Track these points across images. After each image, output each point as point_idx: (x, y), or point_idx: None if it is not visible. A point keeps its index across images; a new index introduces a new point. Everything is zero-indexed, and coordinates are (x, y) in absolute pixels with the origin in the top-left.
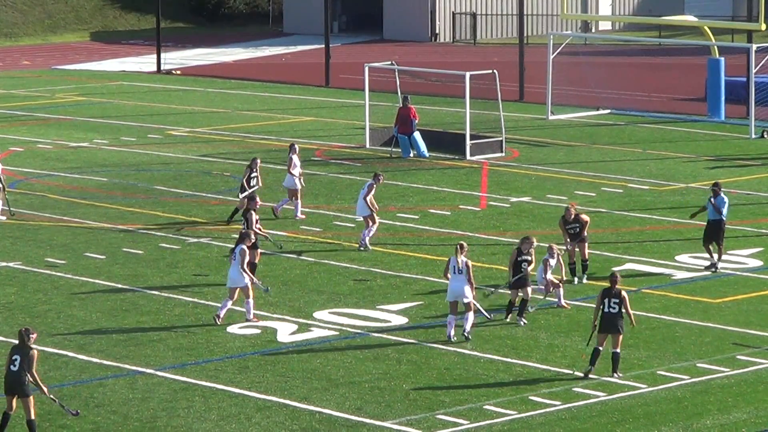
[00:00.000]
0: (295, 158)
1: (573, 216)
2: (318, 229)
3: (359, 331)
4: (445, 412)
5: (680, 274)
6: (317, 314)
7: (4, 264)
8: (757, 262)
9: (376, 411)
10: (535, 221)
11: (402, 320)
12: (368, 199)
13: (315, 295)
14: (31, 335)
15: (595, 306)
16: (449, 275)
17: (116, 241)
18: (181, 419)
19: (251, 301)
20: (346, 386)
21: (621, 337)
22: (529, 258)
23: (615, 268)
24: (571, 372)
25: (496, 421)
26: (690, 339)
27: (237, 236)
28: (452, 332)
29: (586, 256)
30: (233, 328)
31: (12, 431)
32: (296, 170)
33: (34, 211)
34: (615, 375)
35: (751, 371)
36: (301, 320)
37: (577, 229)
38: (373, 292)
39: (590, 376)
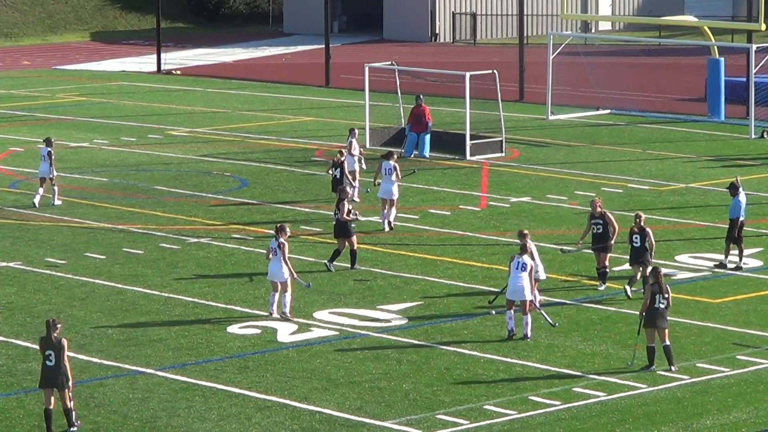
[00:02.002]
0: (355, 142)
1: (599, 211)
2: (318, 229)
3: (359, 331)
4: (445, 412)
5: (680, 274)
6: (317, 314)
7: (4, 264)
8: (757, 262)
9: (376, 411)
10: (535, 221)
11: (402, 320)
12: (397, 176)
13: (315, 295)
14: (58, 325)
15: (644, 301)
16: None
17: (116, 241)
18: (181, 419)
19: (288, 295)
20: (346, 386)
21: (667, 330)
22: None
23: (615, 268)
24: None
25: (496, 421)
26: (690, 339)
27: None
28: (513, 326)
29: (605, 264)
30: (233, 328)
31: (12, 431)
32: (356, 152)
33: (34, 211)
34: (672, 368)
35: (751, 371)
36: (301, 320)
37: (601, 228)
38: (373, 292)
39: (590, 375)
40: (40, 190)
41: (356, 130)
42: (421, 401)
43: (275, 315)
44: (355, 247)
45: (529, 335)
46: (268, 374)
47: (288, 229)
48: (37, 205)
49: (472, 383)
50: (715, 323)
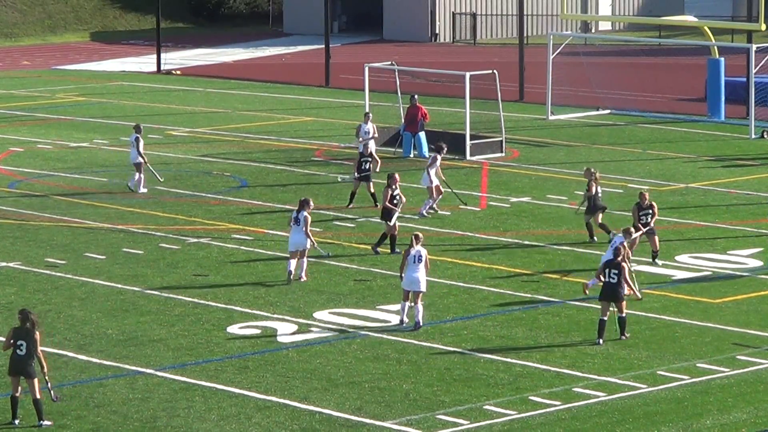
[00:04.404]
0: (370, 126)
1: (647, 203)
2: (318, 229)
3: (359, 331)
4: (445, 412)
5: (680, 274)
6: (317, 314)
7: (4, 264)
8: (757, 262)
9: (376, 411)
10: (535, 221)
11: None
12: (433, 171)
13: (315, 295)
14: (31, 317)
15: (596, 275)
16: (407, 265)
17: (116, 241)
18: (181, 419)
19: (305, 260)
20: (346, 386)
21: (624, 303)
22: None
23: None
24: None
25: (496, 421)
26: (690, 339)
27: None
28: (405, 317)
29: (657, 248)
30: (233, 328)
31: (12, 431)
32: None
33: (34, 211)
34: (623, 337)
35: (751, 371)
36: (301, 320)
37: (649, 217)
38: (373, 292)
39: (590, 375)
40: (137, 175)
41: (371, 115)
42: (421, 401)
43: (299, 277)
44: (394, 232)
45: (420, 323)
46: (268, 374)
47: (311, 203)
48: (144, 189)
49: (472, 383)
50: (715, 323)
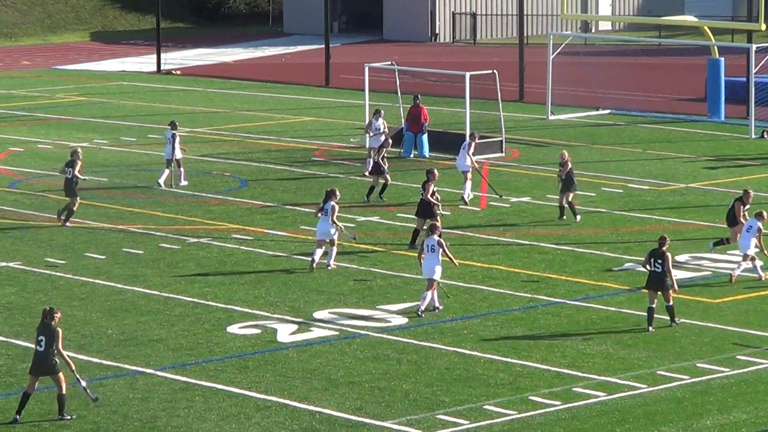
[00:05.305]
0: (381, 122)
1: (751, 199)
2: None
3: (359, 331)
4: (445, 412)
5: (680, 274)
6: (317, 314)
7: (4, 264)
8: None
9: (376, 411)
10: (535, 221)
11: (402, 320)
12: (470, 153)
13: (315, 295)
14: (55, 314)
15: (642, 265)
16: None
17: (116, 241)
18: (181, 419)
19: (335, 249)
20: (346, 386)
21: (670, 292)
22: None
23: (615, 268)
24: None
25: (496, 421)
26: (690, 339)
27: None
28: (423, 306)
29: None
30: (233, 328)
31: (12, 431)
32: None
33: (34, 211)
34: (673, 323)
35: (751, 371)
36: (301, 320)
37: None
38: (373, 292)
39: (590, 375)
40: (166, 171)
41: (382, 111)
42: (421, 401)
43: (327, 265)
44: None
45: (422, 310)
46: (268, 374)
47: (338, 193)
48: (162, 185)
49: (472, 383)
50: (715, 323)
